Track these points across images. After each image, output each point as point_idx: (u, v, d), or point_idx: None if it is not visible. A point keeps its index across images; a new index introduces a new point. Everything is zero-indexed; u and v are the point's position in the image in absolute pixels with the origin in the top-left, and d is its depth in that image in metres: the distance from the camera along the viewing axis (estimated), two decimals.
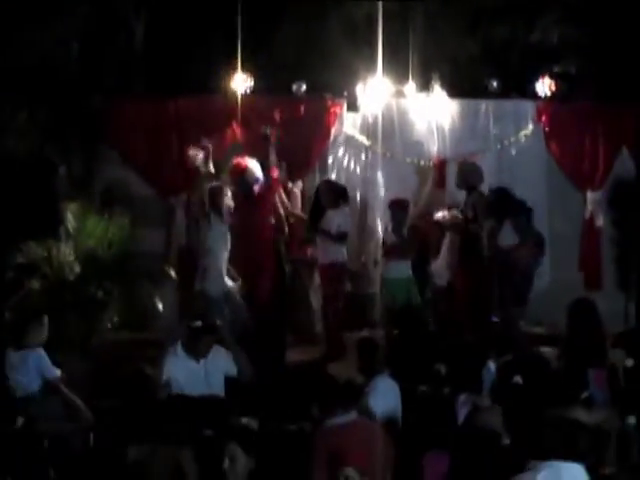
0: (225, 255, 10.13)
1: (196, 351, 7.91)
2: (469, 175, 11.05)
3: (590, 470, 5.56)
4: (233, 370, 7.96)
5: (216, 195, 10.27)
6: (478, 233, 10.60)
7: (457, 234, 10.90)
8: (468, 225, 10.76)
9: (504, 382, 7.54)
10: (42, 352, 7.62)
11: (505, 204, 10.31)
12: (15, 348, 7.63)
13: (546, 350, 8.93)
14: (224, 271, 10.11)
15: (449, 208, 11.11)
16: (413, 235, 10.93)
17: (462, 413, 7.06)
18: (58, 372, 7.59)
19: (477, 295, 10.55)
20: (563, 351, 8.59)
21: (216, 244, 10.11)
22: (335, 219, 10.66)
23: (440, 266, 11.07)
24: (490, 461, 6.01)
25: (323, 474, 6.36)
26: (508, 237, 10.15)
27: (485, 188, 10.89)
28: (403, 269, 10.75)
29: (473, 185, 10.96)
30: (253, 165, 10.62)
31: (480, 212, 10.67)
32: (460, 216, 10.88)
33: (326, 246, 10.68)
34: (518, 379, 7.52)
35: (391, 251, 10.88)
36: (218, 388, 7.80)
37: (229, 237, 10.16)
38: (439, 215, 11.06)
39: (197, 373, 7.83)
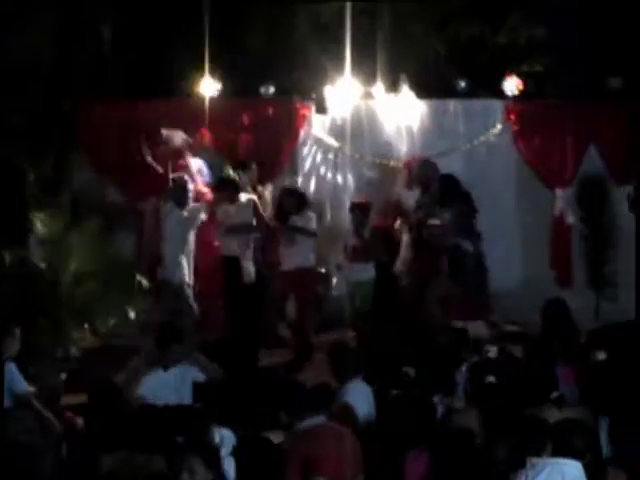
0: (183, 246, 10.38)
1: (164, 360, 7.90)
2: (422, 173, 11.13)
3: (586, 468, 5.66)
4: (201, 376, 7.96)
5: (178, 186, 10.58)
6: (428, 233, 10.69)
7: (408, 234, 10.95)
8: (417, 225, 10.84)
9: (477, 382, 7.57)
10: (12, 366, 7.52)
11: (450, 191, 10.38)
12: None
13: (513, 348, 9.01)
14: (182, 260, 10.32)
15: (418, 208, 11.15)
16: (375, 237, 10.93)
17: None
18: (29, 387, 7.52)
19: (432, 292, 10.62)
20: (534, 350, 8.64)
21: (172, 232, 10.39)
22: (299, 224, 10.64)
23: (400, 266, 11.08)
24: (467, 461, 6.04)
25: None
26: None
27: None
28: (365, 271, 10.77)
29: (426, 183, 11.04)
30: (195, 164, 11.05)
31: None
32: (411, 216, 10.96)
33: (291, 251, 10.63)
34: (492, 379, 7.57)
35: (353, 253, 10.89)
36: (187, 397, 7.76)
37: (189, 229, 10.42)
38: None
39: (166, 382, 7.81)
